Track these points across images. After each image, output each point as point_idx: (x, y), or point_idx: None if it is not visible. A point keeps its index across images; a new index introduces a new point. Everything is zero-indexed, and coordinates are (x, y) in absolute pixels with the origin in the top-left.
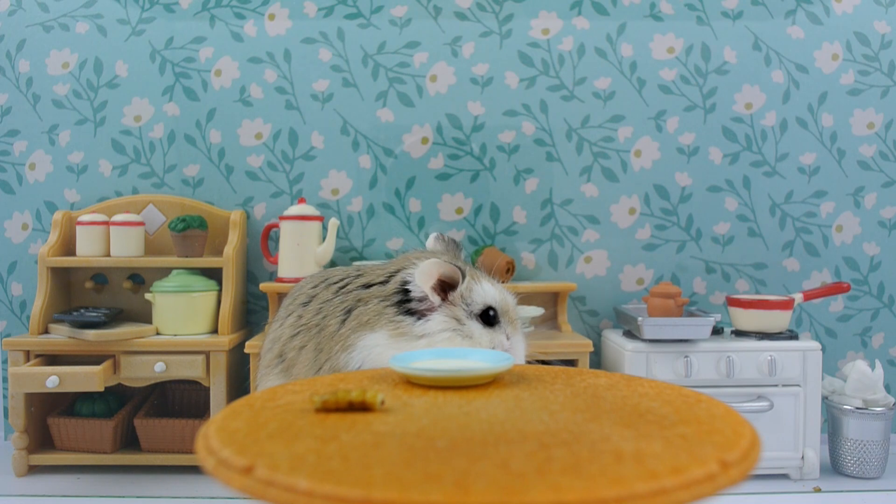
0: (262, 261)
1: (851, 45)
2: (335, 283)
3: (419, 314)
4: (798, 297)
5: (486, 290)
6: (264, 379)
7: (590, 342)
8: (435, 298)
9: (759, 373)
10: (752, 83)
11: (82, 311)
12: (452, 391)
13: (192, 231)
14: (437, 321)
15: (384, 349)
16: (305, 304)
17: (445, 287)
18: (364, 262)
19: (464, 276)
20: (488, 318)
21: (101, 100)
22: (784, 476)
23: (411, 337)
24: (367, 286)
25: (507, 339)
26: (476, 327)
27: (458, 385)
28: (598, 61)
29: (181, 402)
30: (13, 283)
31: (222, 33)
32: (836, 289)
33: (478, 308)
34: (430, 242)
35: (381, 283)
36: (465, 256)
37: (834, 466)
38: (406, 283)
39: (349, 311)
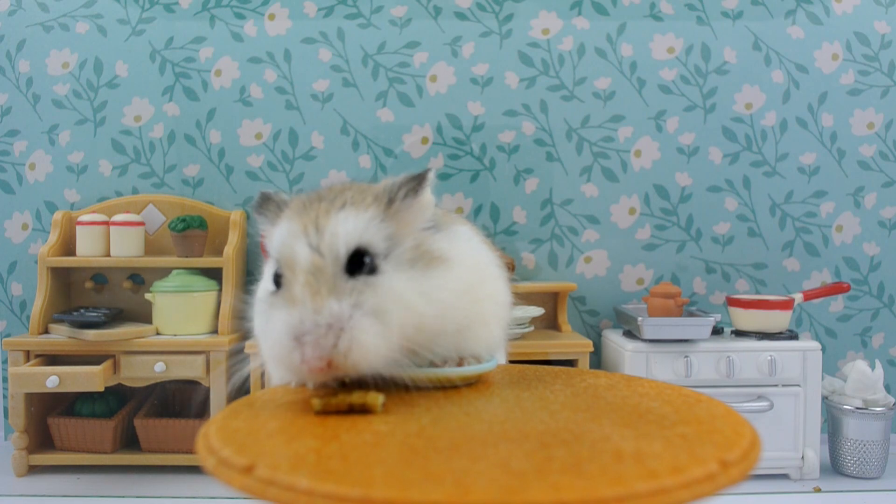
0: (262, 261)
1: (851, 45)
2: None
3: None
4: (798, 297)
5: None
6: None
7: (590, 342)
8: None
9: (759, 373)
10: (752, 83)
11: (82, 311)
12: (452, 391)
13: (192, 231)
14: None
15: None
16: None
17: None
18: None
19: None
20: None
21: (101, 100)
22: (784, 476)
23: None
24: None
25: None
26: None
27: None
28: (598, 61)
29: (181, 402)
30: (13, 283)
31: (222, 33)
32: (836, 289)
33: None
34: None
35: None
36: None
37: (834, 466)
38: None
39: None
